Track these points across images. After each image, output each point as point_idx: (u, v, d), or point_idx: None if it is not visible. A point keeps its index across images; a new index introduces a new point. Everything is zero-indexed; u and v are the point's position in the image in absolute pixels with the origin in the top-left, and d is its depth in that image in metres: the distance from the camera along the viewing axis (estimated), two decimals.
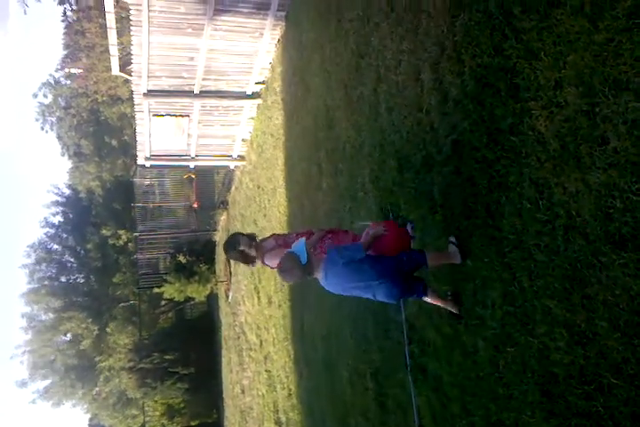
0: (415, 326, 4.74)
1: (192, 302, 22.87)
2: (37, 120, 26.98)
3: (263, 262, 4.64)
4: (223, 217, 18.81)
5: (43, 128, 27.25)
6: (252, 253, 4.64)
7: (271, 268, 4.60)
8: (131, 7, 9.16)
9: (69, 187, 29.88)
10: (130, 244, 25.07)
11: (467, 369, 3.93)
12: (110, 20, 10.50)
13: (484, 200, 3.71)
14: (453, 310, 4.09)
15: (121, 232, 25.48)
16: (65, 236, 29.64)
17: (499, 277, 3.53)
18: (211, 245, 20.80)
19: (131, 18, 9.34)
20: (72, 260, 29.60)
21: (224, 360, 18.90)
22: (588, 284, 2.81)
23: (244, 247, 4.62)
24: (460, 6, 4.00)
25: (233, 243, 4.69)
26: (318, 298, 7.69)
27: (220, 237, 20.17)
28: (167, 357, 21.75)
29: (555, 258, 3.02)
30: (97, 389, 29.88)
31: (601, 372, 2.72)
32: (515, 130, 3.35)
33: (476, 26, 3.78)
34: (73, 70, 23.25)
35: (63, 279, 29.56)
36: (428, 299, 4.09)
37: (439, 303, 4.14)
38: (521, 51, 3.27)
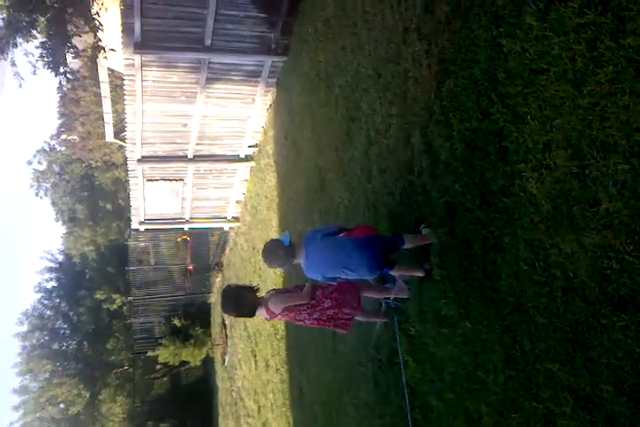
0: (416, 391, 4.62)
1: (187, 367, 22.39)
2: (32, 186, 27.13)
3: (267, 310, 4.55)
4: (218, 278, 18.68)
5: (37, 194, 27.37)
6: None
7: (275, 316, 4.59)
8: (125, 78, 9.40)
9: (63, 252, 29.73)
10: (124, 308, 24.75)
11: None
12: (105, 89, 10.79)
13: (479, 261, 3.70)
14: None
15: (115, 296, 25.20)
16: (58, 302, 29.27)
17: (499, 341, 3.48)
18: (206, 308, 20.57)
19: (125, 88, 9.57)
20: (65, 326, 29.11)
21: None
22: (591, 347, 2.76)
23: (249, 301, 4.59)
24: (446, 73, 4.12)
25: (237, 299, 4.59)
26: (316, 362, 7.54)
27: (215, 299, 19.95)
28: (163, 424, 21.11)
29: (555, 320, 2.99)
30: None
31: None
32: (506, 191, 3.38)
33: (462, 91, 3.89)
34: (68, 138, 23.60)
35: (55, 346, 28.95)
36: (395, 272, 4.55)
37: (405, 273, 4.64)
38: (508, 115, 3.35)
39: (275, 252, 4.25)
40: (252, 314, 4.64)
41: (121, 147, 16.55)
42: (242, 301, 4.55)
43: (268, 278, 10.58)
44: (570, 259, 2.88)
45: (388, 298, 5.02)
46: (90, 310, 26.78)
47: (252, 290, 4.63)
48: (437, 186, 4.29)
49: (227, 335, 16.26)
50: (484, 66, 3.61)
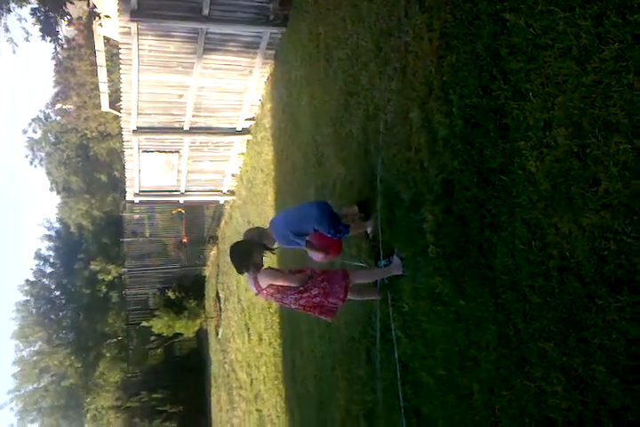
0: (408, 367, 4.64)
1: (181, 339, 22.55)
2: (27, 156, 26.98)
3: (256, 282, 4.62)
4: (213, 252, 18.71)
5: (32, 163, 27.25)
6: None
7: (260, 290, 4.65)
8: (121, 46, 9.24)
9: (60, 221, 29.73)
10: (119, 279, 24.84)
11: (462, 413, 3.83)
12: (100, 58, 10.63)
13: (475, 240, 3.68)
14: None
15: (110, 267, 25.27)
16: (54, 271, 29.36)
17: (493, 319, 3.47)
18: (200, 281, 20.65)
19: (120, 56, 9.41)
20: (61, 296, 29.25)
21: (213, 399, 18.54)
22: (585, 327, 2.75)
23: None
24: (448, 47, 4.04)
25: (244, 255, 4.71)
26: (309, 336, 7.58)
27: (209, 273, 20.00)
28: (156, 395, 21.36)
29: (549, 300, 2.97)
30: None
31: (600, 418, 2.65)
32: (505, 169, 3.34)
33: (463, 67, 3.81)
34: (63, 107, 23.36)
35: (52, 316, 29.13)
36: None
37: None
38: (509, 92, 3.29)
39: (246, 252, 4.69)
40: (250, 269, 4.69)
41: (116, 117, 16.38)
42: (248, 257, 4.65)
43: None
44: (567, 239, 2.86)
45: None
46: (85, 279, 26.88)
47: (261, 247, 4.78)
48: (435, 163, 4.24)
49: (221, 308, 16.35)
50: (487, 41, 3.53)
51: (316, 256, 5.30)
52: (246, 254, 4.66)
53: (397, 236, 4.94)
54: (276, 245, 5.26)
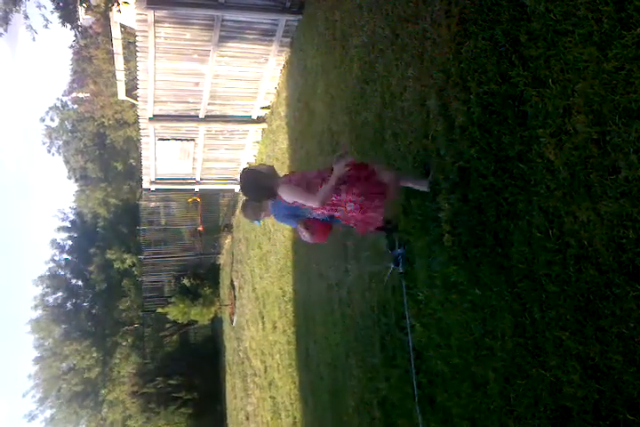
0: (423, 356, 4.65)
1: (196, 326, 22.73)
2: (44, 143, 27.16)
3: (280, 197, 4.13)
4: (227, 240, 18.78)
5: (49, 151, 27.43)
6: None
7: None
8: (137, 34, 9.25)
9: (75, 211, 29.96)
10: (134, 267, 25.04)
11: (476, 401, 3.83)
12: (117, 46, 10.64)
13: (492, 228, 3.65)
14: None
15: (126, 256, 25.46)
16: (71, 260, 29.63)
17: (508, 308, 3.46)
18: (215, 269, 20.75)
19: (137, 44, 9.42)
20: (79, 284, 29.55)
21: (228, 386, 18.69)
22: (602, 316, 2.73)
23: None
24: (466, 34, 3.99)
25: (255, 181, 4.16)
26: (323, 325, 7.60)
27: (224, 261, 20.10)
28: (171, 381, 21.55)
29: (566, 289, 2.95)
30: (101, 414, 29.62)
31: (616, 407, 2.64)
32: (523, 157, 3.30)
33: (482, 53, 3.77)
34: (80, 95, 23.47)
35: (69, 305, 29.45)
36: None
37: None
38: (528, 78, 3.25)
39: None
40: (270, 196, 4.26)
41: (133, 105, 16.43)
42: (260, 183, 4.13)
43: (277, 241, 10.61)
44: (585, 227, 2.83)
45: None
46: (101, 268, 27.12)
47: (268, 176, 4.19)
48: (452, 151, 4.21)
49: (235, 296, 16.43)
50: (506, 27, 3.49)
51: (304, 236, 4.99)
52: (255, 181, 4.15)
53: (412, 224, 4.92)
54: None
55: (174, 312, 19.04)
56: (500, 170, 3.56)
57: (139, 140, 13.37)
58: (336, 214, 4.26)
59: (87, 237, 27.99)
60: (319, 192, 3.96)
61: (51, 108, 26.39)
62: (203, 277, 19.62)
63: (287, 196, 4.06)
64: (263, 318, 11.77)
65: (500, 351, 3.55)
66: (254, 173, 4.19)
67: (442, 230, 4.34)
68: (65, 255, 29.92)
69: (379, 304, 5.66)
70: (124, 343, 27.27)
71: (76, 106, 25.31)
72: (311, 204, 4.00)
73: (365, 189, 4.09)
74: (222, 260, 20.40)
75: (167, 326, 23.38)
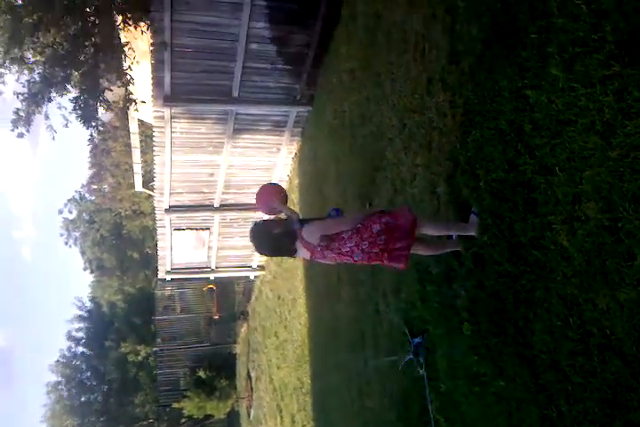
0: None
1: (212, 420, 21.91)
2: (62, 235, 27.57)
3: (303, 241, 3.91)
4: (243, 328, 18.47)
5: (67, 243, 27.78)
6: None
7: (314, 251, 3.94)
8: (154, 129, 9.59)
9: (92, 300, 29.90)
10: (149, 359, 24.58)
11: None
12: (135, 140, 11.02)
13: (511, 316, 3.57)
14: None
15: (139, 348, 25.10)
16: (86, 352, 29.26)
17: (534, 400, 3.31)
18: (231, 359, 20.27)
19: (154, 139, 9.75)
20: (92, 378, 28.99)
21: None
22: (631, 409, 2.60)
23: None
24: (472, 123, 4.09)
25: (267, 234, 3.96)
26: (343, 419, 7.30)
27: (240, 350, 19.70)
28: None
29: (592, 380, 2.83)
30: None
31: None
32: (537, 244, 3.28)
33: (488, 142, 3.84)
34: (98, 188, 24.11)
35: (83, 398, 28.75)
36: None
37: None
38: (535, 166, 3.28)
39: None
40: (290, 251, 4.04)
41: (149, 196, 16.78)
42: (273, 236, 3.92)
43: (294, 329, 10.42)
44: (605, 315, 2.75)
45: (451, 236, 4.41)
46: (116, 361, 26.66)
47: (279, 223, 4.05)
48: (464, 236, 4.19)
49: (252, 388, 15.94)
50: (510, 117, 3.58)
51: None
52: (267, 234, 3.96)
53: (430, 311, 4.82)
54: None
55: (190, 407, 18.43)
56: (514, 257, 3.52)
57: (155, 230, 13.52)
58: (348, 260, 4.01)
59: (102, 329, 27.73)
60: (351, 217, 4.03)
61: (69, 201, 27.05)
62: (219, 368, 19.12)
63: (317, 230, 3.91)
64: (281, 411, 11.35)
65: None
66: (264, 225, 4.03)
67: (460, 318, 4.25)
68: (80, 348, 29.55)
69: (400, 396, 5.45)
70: None
71: (93, 197, 25.92)
72: (342, 227, 3.89)
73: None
74: (238, 349, 19.98)
75: (182, 420, 22.56)
